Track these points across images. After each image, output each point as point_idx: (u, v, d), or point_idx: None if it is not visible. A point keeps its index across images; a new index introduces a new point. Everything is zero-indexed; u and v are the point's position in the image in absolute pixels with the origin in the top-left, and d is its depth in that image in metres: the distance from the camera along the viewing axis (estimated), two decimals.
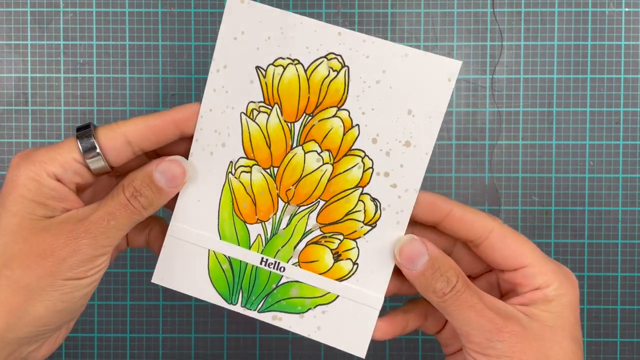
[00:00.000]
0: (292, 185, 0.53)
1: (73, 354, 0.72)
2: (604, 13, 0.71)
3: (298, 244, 0.54)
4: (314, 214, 0.53)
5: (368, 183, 0.53)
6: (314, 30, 0.52)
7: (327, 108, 0.52)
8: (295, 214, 0.54)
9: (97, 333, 0.73)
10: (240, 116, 0.53)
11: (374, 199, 0.53)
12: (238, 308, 0.55)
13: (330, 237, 0.54)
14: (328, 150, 0.53)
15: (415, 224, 0.55)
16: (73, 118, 0.71)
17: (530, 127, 0.71)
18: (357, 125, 0.52)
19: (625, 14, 0.70)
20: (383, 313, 0.55)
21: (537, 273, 0.51)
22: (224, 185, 0.54)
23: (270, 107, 0.53)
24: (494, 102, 0.71)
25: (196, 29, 0.71)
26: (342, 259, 0.54)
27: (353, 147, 0.52)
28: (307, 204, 0.53)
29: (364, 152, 0.52)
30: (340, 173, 0.53)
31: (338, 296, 0.54)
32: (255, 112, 0.53)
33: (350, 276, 0.54)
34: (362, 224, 0.53)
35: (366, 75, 0.52)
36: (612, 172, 0.71)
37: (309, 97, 0.53)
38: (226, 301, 0.55)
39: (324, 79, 0.52)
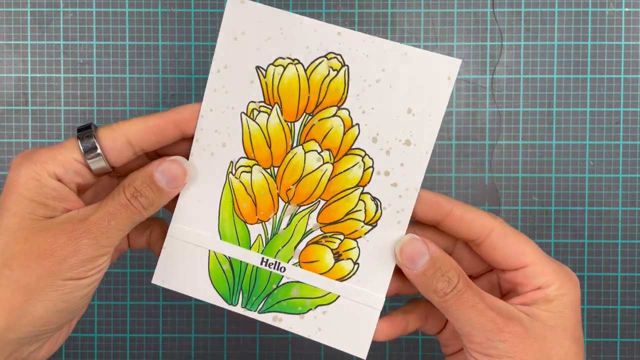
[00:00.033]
0: (293, 185, 0.53)
1: (73, 354, 0.72)
2: (604, 13, 0.71)
3: (298, 244, 0.54)
4: (314, 214, 0.53)
5: (368, 182, 0.53)
6: (313, 30, 0.52)
7: (327, 107, 0.52)
8: (295, 214, 0.54)
9: (97, 333, 0.73)
10: (241, 116, 0.53)
11: (374, 198, 0.53)
12: (238, 309, 0.55)
13: (330, 236, 0.54)
14: (328, 149, 0.53)
15: (416, 224, 0.55)
16: (73, 118, 0.71)
17: (530, 127, 0.71)
18: (357, 124, 0.52)
19: (625, 14, 0.70)
20: (383, 314, 0.55)
21: (539, 273, 0.51)
22: (224, 186, 0.54)
23: (270, 107, 0.53)
24: (494, 102, 0.71)
25: (196, 29, 0.71)
26: (342, 259, 0.54)
27: (353, 147, 0.52)
28: (308, 204, 0.53)
29: (364, 151, 0.52)
30: (341, 172, 0.53)
31: (339, 296, 0.54)
32: (255, 112, 0.53)
33: (351, 276, 0.54)
34: (362, 224, 0.53)
35: (366, 75, 0.52)
36: (612, 172, 0.71)
37: (309, 97, 0.53)
38: (226, 302, 0.55)
39: (324, 78, 0.52)
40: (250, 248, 0.54)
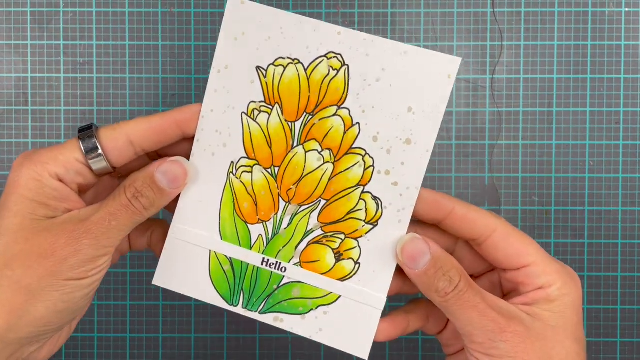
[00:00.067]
0: (293, 184, 0.53)
1: (73, 354, 0.72)
2: (604, 13, 0.71)
3: (299, 243, 0.54)
4: (315, 214, 0.53)
5: (369, 181, 0.53)
6: (313, 29, 0.52)
7: (327, 107, 0.52)
8: (296, 214, 0.54)
9: (97, 333, 0.72)
10: (241, 116, 0.53)
11: (375, 198, 0.53)
12: (239, 309, 0.55)
13: (331, 236, 0.53)
14: (329, 149, 0.53)
15: (418, 223, 0.55)
16: (73, 118, 0.71)
17: (530, 127, 0.71)
18: (358, 123, 0.52)
19: (625, 14, 0.71)
20: (383, 314, 0.54)
21: (540, 272, 0.51)
22: (225, 186, 0.54)
23: (271, 107, 0.53)
24: (494, 102, 0.71)
25: (196, 29, 0.71)
26: (343, 259, 0.54)
27: (354, 146, 0.52)
28: (308, 204, 0.53)
29: (364, 150, 0.52)
30: (341, 172, 0.53)
31: (340, 296, 0.54)
32: (256, 112, 0.53)
33: (352, 276, 0.54)
34: (363, 223, 0.53)
35: (366, 74, 0.52)
36: (612, 172, 0.71)
37: (309, 96, 0.53)
38: (227, 303, 0.55)
39: (324, 77, 0.52)
40: (251, 248, 0.54)
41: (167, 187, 0.51)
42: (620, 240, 0.72)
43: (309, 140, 0.53)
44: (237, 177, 0.54)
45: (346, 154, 0.53)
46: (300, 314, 0.54)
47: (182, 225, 0.54)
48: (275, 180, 0.53)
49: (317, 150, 0.53)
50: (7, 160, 0.71)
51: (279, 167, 0.53)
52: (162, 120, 0.52)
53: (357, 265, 0.53)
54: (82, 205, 0.51)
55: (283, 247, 0.54)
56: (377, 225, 0.53)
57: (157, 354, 0.72)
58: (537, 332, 0.49)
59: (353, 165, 0.53)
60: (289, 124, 0.53)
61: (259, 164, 0.53)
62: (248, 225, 0.54)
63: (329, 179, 0.53)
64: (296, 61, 0.52)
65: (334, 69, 0.52)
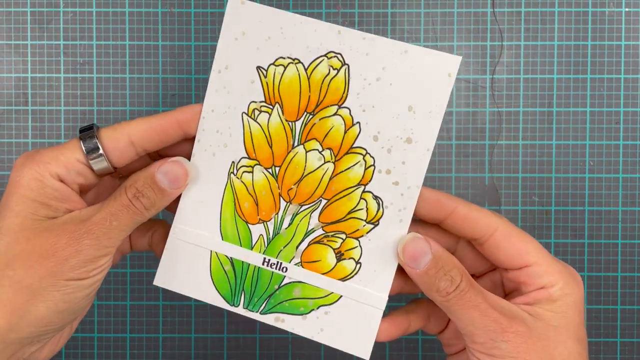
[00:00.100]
0: (294, 184, 0.53)
1: (73, 354, 0.72)
2: (604, 13, 0.71)
3: (300, 243, 0.54)
4: (316, 213, 0.53)
5: (370, 181, 0.53)
6: (313, 29, 0.52)
7: (327, 106, 0.52)
8: (297, 214, 0.54)
9: (97, 333, 0.72)
10: (242, 116, 0.53)
11: (376, 197, 0.53)
12: (240, 310, 0.55)
13: (332, 236, 0.53)
14: (329, 148, 0.53)
15: (419, 222, 0.55)
16: (73, 118, 0.71)
17: (530, 127, 0.71)
18: (358, 123, 0.52)
19: (625, 14, 0.71)
20: (384, 314, 0.54)
21: (542, 272, 0.51)
22: (225, 186, 0.54)
23: (271, 107, 0.53)
24: (494, 102, 0.71)
25: (196, 29, 0.71)
26: (344, 258, 0.53)
27: (354, 145, 0.52)
28: (309, 203, 0.53)
29: (365, 149, 0.52)
30: (342, 171, 0.53)
31: (341, 296, 0.54)
32: (256, 112, 0.53)
33: (353, 276, 0.54)
34: (364, 223, 0.53)
35: (366, 73, 0.52)
36: (612, 172, 0.71)
37: (309, 96, 0.53)
38: (228, 303, 0.55)
39: (325, 77, 0.52)
40: (252, 248, 0.54)
41: (168, 187, 0.51)
42: (620, 240, 0.72)
43: (309, 140, 0.53)
44: (237, 177, 0.54)
45: (347, 153, 0.53)
46: (302, 314, 0.54)
47: (183, 226, 0.54)
48: (276, 180, 0.53)
49: (317, 149, 0.53)
50: (7, 160, 0.71)
51: (280, 166, 0.53)
52: (163, 121, 0.52)
53: (358, 265, 0.53)
54: (83, 206, 0.51)
55: (284, 247, 0.54)
56: (378, 224, 0.53)
57: (157, 354, 0.72)
58: (538, 332, 0.49)
59: (354, 165, 0.53)
60: (290, 123, 0.53)
61: (259, 164, 0.53)
62: (249, 225, 0.54)
63: (330, 179, 0.53)
64: (296, 61, 0.52)
65: (334, 69, 0.52)
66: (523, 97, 0.71)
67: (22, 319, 0.47)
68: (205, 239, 0.54)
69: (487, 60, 0.71)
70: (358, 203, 0.53)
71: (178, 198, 0.54)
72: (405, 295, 0.68)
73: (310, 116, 0.53)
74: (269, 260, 0.54)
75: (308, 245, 0.54)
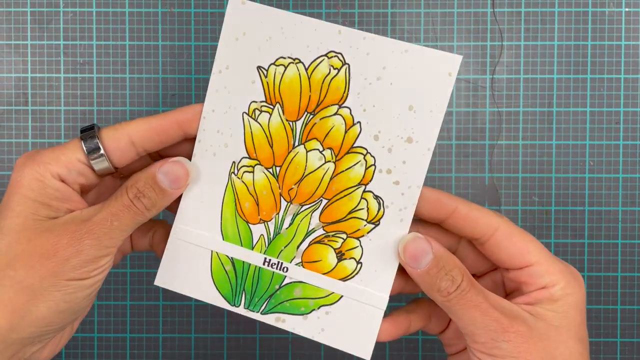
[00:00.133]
0: (295, 184, 0.53)
1: (73, 354, 0.72)
2: (604, 13, 0.71)
3: (301, 243, 0.54)
4: (316, 213, 0.53)
5: (370, 180, 0.53)
6: (314, 29, 0.52)
7: (328, 106, 0.52)
8: (298, 213, 0.53)
9: (97, 333, 0.72)
10: (243, 116, 0.53)
11: (376, 197, 0.53)
12: (241, 310, 0.55)
13: (333, 236, 0.53)
14: (330, 148, 0.53)
15: (420, 222, 0.55)
16: (73, 118, 0.71)
17: (530, 127, 0.71)
18: (359, 122, 0.52)
19: (625, 14, 0.71)
20: (384, 314, 0.54)
21: (544, 272, 0.51)
22: (226, 186, 0.54)
23: (272, 107, 0.53)
24: (494, 102, 0.71)
25: (196, 29, 0.71)
26: (345, 258, 0.53)
27: (355, 145, 0.52)
28: (310, 203, 0.53)
29: (365, 149, 0.52)
30: (343, 171, 0.53)
31: (342, 296, 0.54)
32: (257, 112, 0.53)
33: (354, 275, 0.53)
34: (365, 222, 0.53)
35: (367, 73, 0.52)
36: (612, 172, 0.71)
37: (310, 96, 0.53)
38: (229, 303, 0.55)
39: (325, 77, 0.52)
40: (252, 248, 0.54)
41: (168, 187, 0.51)
42: (620, 240, 0.72)
43: (310, 140, 0.53)
44: (238, 177, 0.54)
45: (347, 153, 0.53)
46: (302, 314, 0.54)
47: (184, 226, 0.54)
48: (277, 180, 0.53)
49: (318, 149, 0.53)
50: (7, 160, 0.71)
51: (280, 166, 0.53)
52: (164, 121, 0.52)
53: (359, 265, 0.53)
54: (84, 206, 0.51)
55: (285, 247, 0.54)
56: (378, 224, 0.53)
57: (157, 354, 0.72)
58: (540, 332, 0.49)
59: (354, 165, 0.53)
60: (290, 123, 0.53)
61: (260, 164, 0.53)
62: (250, 225, 0.54)
63: (330, 179, 0.53)
64: (297, 60, 0.52)
65: (334, 68, 0.52)
66: (523, 97, 0.71)
67: (23, 319, 0.47)
68: (206, 239, 0.54)
69: (487, 60, 0.71)
70: (359, 203, 0.53)
71: (179, 198, 0.54)
72: (406, 295, 0.68)
73: (311, 116, 0.53)
74: (270, 260, 0.54)
75: (309, 245, 0.54)
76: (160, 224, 0.58)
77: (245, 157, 0.53)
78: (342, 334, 0.54)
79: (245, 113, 0.53)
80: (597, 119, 0.71)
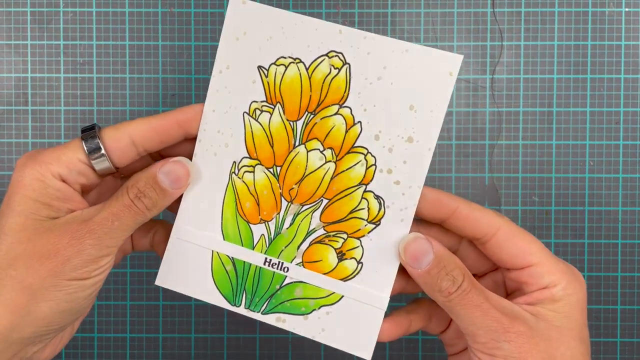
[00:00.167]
0: (295, 184, 0.53)
1: (73, 354, 0.72)
2: (604, 13, 0.71)
3: (302, 243, 0.54)
4: (317, 213, 0.53)
5: (371, 180, 0.52)
6: (314, 28, 0.52)
7: (328, 106, 0.52)
8: (298, 213, 0.53)
9: (97, 333, 0.72)
10: (243, 116, 0.53)
11: (377, 197, 0.53)
12: (241, 310, 0.55)
13: (334, 236, 0.53)
14: (330, 148, 0.53)
15: (421, 222, 0.55)
16: (73, 118, 0.71)
17: (530, 127, 0.71)
18: (359, 122, 0.52)
19: (625, 14, 0.71)
20: (385, 314, 0.54)
21: (545, 272, 0.51)
22: (227, 186, 0.54)
23: (272, 106, 0.53)
24: (494, 102, 0.71)
25: (196, 29, 0.71)
26: (346, 258, 0.53)
27: (355, 145, 0.52)
28: (311, 203, 0.53)
29: (366, 149, 0.52)
30: (343, 171, 0.53)
31: (343, 296, 0.54)
32: (257, 112, 0.53)
33: (354, 276, 0.53)
34: (365, 222, 0.53)
35: (367, 72, 0.52)
36: (612, 172, 0.71)
37: (310, 96, 0.53)
38: (230, 303, 0.55)
39: (326, 76, 0.52)
40: (253, 248, 0.54)
41: (169, 187, 0.51)
42: (620, 240, 0.72)
43: (310, 140, 0.53)
44: (239, 177, 0.54)
45: (348, 153, 0.53)
46: (303, 314, 0.54)
47: (185, 226, 0.54)
48: (277, 180, 0.53)
49: (318, 149, 0.53)
50: (7, 160, 0.71)
51: (281, 166, 0.53)
52: (164, 121, 0.52)
53: (360, 265, 0.53)
54: (85, 206, 0.51)
55: (285, 247, 0.54)
56: (379, 224, 0.53)
57: (157, 354, 0.72)
58: (541, 332, 0.49)
59: (355, 164, 0.53)
60: (291, 123, 0.53)
61: (261, 164, 0.53)
62: (250, 225, 0.54)
63: (331, 178, 0.53)
64: (297, 60, 0.52)
65: (335, 68, 0.52)
66: (523, 97, 0.71)
67: (24, 319, 0.47)
68: (207, 238, 0.54)
69: (487, 60, 0.71)
70: (359, 203, 0.53)
71: (179, 198, 0.54)
72: (406, 295, 0.68)
73: (312, 116, 0.53)
74: (271, 260, 0.54)
75: (309, 245, 0.54)
76: (161, 224, 0.58)
77: (246, 157, 0.53)
78: (343, 334, 0.54)
79: (246, 113, 0.53)
80: (597, 119, 0.71)
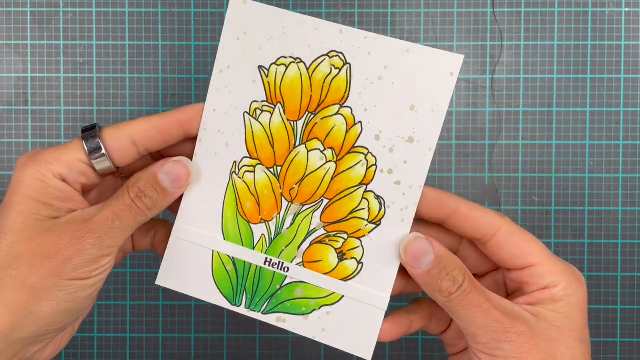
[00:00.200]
0: (296, 184, 0.53)
1: (73, 354, 0.72)
2: (604, 13, 0.71)
3: (302, 243, 0.54)
4: (317, 213, 0.53)
5: (372, 180, 0.52)
6: (315, 28, 0.52)
7: (329, 106, 0.52)
8: (299, 213, 0.53)
9: (97, 333, 0.72)
10: (244, 116, 0.53)
11: (378, 197, 0.53)
12: (242, 310, 0.55)
13: (334, 236, 0.53)
14: (331, 148, 0.53)
15: (421, 222, 0.55)
16: (73, 118, 0.71)
17: (530, 127, 0.71)
18: (360, 122, 0.52)
19: (625, 14, 0.71)
20: (385, 314, 0.54)
21: (545, 272, 0.51)
22: (227, 186, 0.54)
23: (273, 106, 0.53)
24: (494, 102, 0.71)
25: (196, 29, 0.71)
26: (346, 258, 0.53)
27: (356, 145, 0.52)
28: (311, 203, 0.53)
29: (367, 149, 0.52)
30: (344, 171, 0.53)
31: (343, 296, 0.54)
32: (258, 112, 0.53)
33: (355, 276, 0.53)
34: (366, 222, 0.53)
35: (368, 72, 0.52)
36: (612, 172, 0.71)
37: (311, 95, 0.53)
38: (230, 303, 0.55)
39: (326, 76, 0.52)
40: (253, 248, 0.54)
41: (170, 187, 0.51)
42: (620, 240, 0.72)
43: (311, 140, 0.53)
44: (239, 177, 0.54)
45: (348, 153, 0.53)
46: (303, 314, 0.54)
47: (185, 225, 0.54)
48: (278, 180, 0.53)
49: (319, 149, 0.53)
50: (7, 160, 0.71)
51: (282, 166, 0.53)
52: (165, 120, 0.52)
53: (360, 265, 0.53)
54: (85, 206, 0.51)
55: (286, 247, 0.54)
56: (380, 224, 0.53)
57: (157, 354, 0.72)
58: (541, 332, 0.49)
59: (355, 164, 0.53)
60: (291, 123, 0.53)
61: (261, 164, 0.53)
62: (251, 225, 0.54)
63: (332, 178, 0.53)
64: (298, 60, 0.52)
65: (335, 68, 0.52)
66: (523, 97, 0.71)
67: (25, 319, 0.47)
68: (207, 238, 0.54)
69: (487, 60, 0.71)
70: (360, 203, 0.53)
71: (180, 198, 0.54)
72: (406, 295, 0.68)
73: (312, 116, 0.53)
74: (271, 260, 0.54)
75: (310, 245, 0.54)
76: (161, 224, 0.58)
77: (247, 157, 0.53)
78: (343, 334, 0.54)
79: (247, 113, 0.53)
80: (597, 119, 0.71)
